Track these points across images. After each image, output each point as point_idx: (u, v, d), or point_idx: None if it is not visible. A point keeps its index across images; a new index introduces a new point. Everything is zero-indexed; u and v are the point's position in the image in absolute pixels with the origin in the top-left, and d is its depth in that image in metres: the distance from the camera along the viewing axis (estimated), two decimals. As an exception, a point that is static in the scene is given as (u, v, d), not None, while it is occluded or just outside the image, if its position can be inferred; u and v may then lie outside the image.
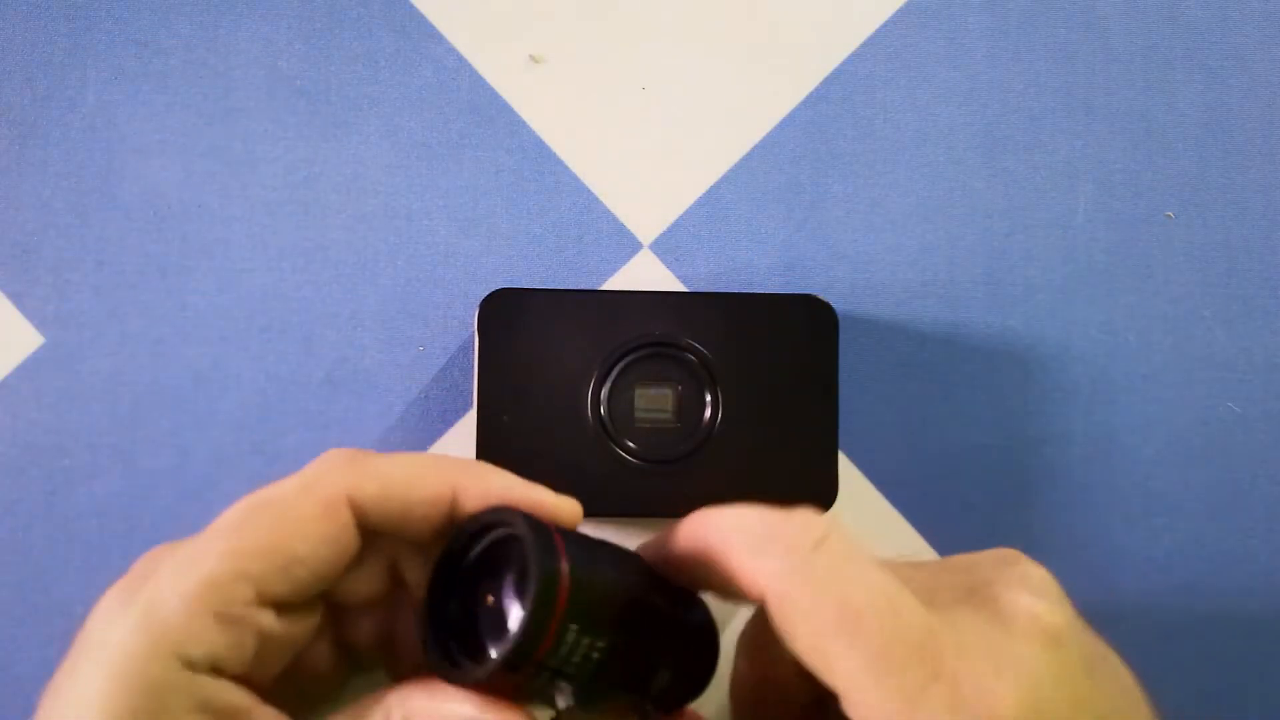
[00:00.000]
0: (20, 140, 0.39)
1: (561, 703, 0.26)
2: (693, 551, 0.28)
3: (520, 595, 0.25)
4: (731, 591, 0.27)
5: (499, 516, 0.27)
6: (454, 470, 0.27)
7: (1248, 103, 0.39)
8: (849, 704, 0.25)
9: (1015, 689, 0.24)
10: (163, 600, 0.25)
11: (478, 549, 0.27)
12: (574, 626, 0.25)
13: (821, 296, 0.35)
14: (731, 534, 0.27)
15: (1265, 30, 0.40)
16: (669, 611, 0.28)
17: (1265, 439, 0.38)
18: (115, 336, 0.38)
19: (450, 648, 0.26)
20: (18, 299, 0.38)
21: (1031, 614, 0.25)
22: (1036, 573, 0.27)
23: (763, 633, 0.30)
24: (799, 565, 0.26)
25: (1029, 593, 0.26)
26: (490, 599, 0.27)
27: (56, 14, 0.39)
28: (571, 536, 0.27)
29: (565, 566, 0.25)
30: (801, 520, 0.26)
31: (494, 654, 0.25)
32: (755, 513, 0.27)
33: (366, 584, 0.29)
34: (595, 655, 0.26)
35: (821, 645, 0.25)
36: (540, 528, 0.26)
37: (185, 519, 0.37)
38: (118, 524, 0.37)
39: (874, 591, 0.25)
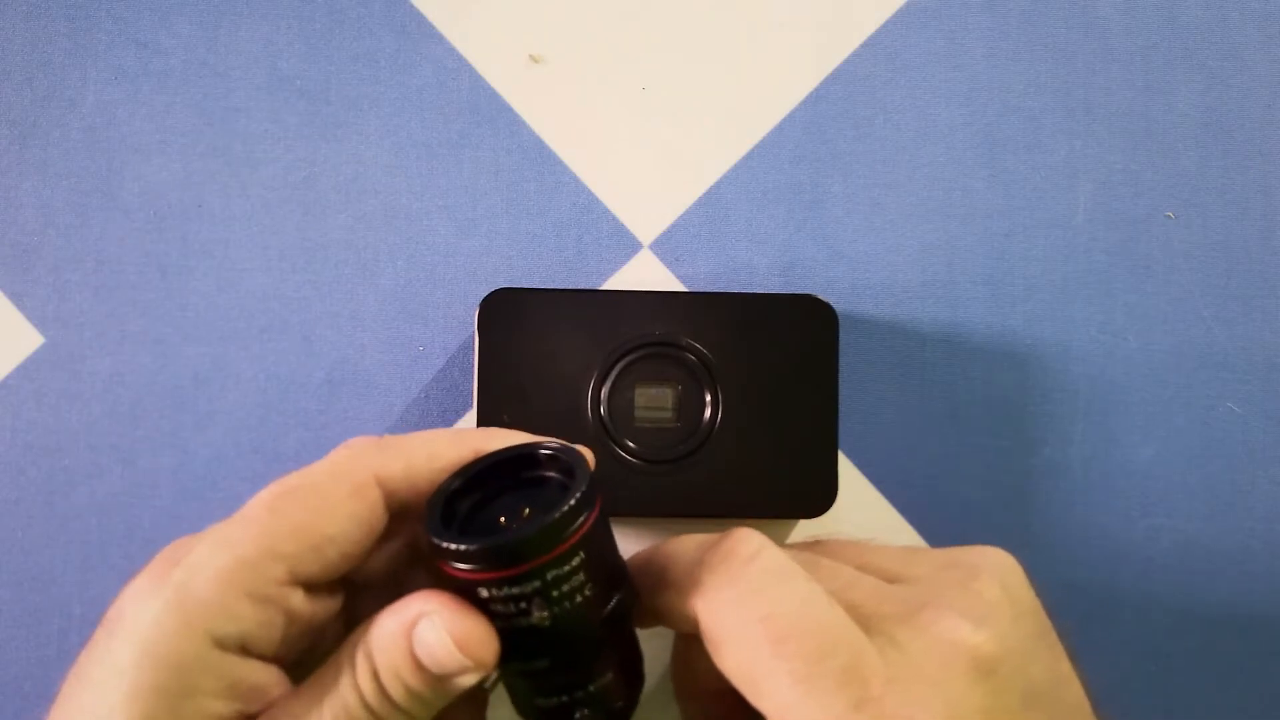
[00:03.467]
0: (20, 140, 0.39)
1: (535, 618, 0.25)
2: (644, 584, 0.28)
3: (547, 512, 0.26)
4: (676, 621, 0.27)
5: (558, 451, 0.27)
6: (473, 438, 0.28)
7: (1248, 103, 0.39)
8: None
9: None
10: (196, 579, 0.25)
11: (508, 480, 0.28)
12: (581, 554, 0.25)
13: (821, 296, 0.35)
14: (668, 560, 0.27)
15: (1265, 30, 0.40)
16: (629, 618, 0.29)
17: (1265, 439, 0.38)
18: (115, 336, 0.38)
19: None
20: (18, 299, 0.38)
21: (967, 645, 0.25)
22: (989, 593, 0.26)
23: (685, 662, 0.30)
24: (727, 583, 0.26)
25: (970, 620, 0.25)
26: (503, 519, 0.27)
27: (56, 14, 0.39)
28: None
29: (600, 502, 0.26)
30: (731, 541, 0.27)
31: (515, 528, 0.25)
32: (691, 539, 0.28)
33: (387, 561, 0.29)
34: (579, 598, 0.26)
35: (748, 665, 0.25)
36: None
37: (185, 519, 0.37)
38: (118, 524, 0.37)
39: (803, 610, 0.25)
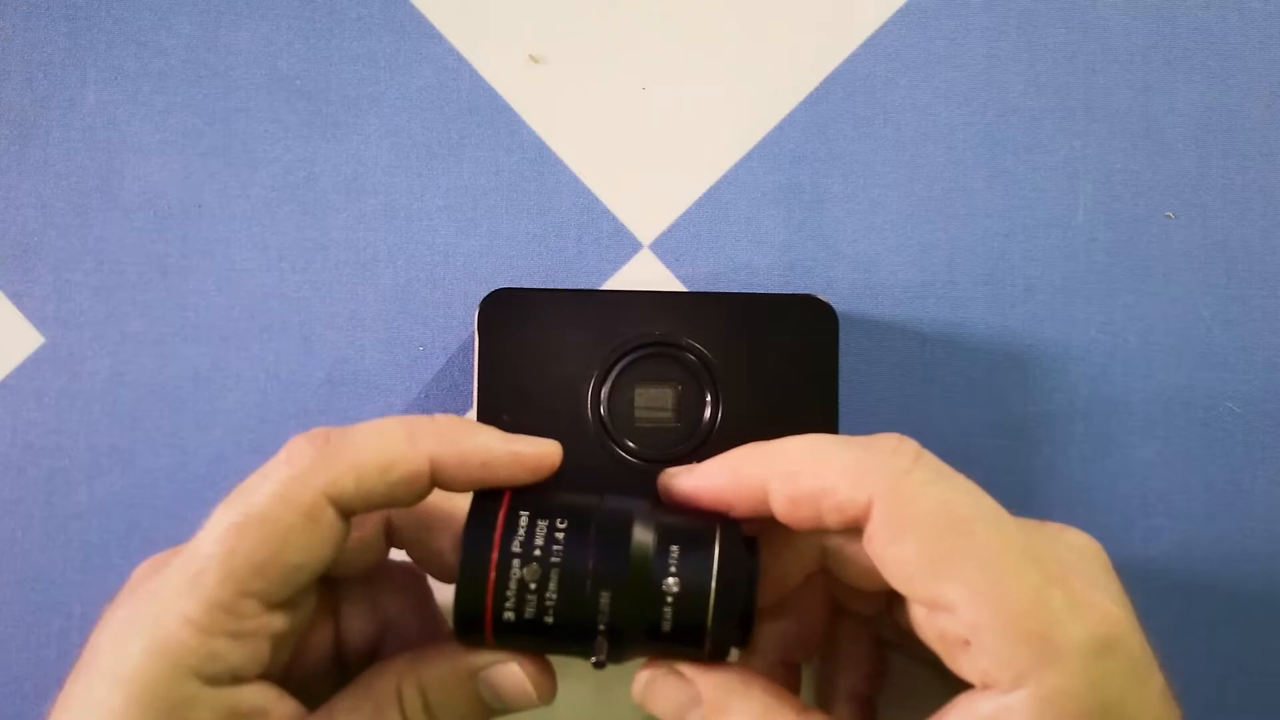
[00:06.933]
0: (20, 140, 0.39)
1: (530, 580, 0.26)
2: (753, 479, 0.28)
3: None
4: (804, 515, 0.27)
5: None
6: (429, 441, 0.27)
7: (1248, 103, 0.39)
8: (963, 614, 0.25)
9: (1117, 606, 0.25)
10: (174, 629, 0.25)
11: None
12: (524, 512, 0.27)
13: (821, 296, 0.35)
14: (819, 457, 0.27)
15: (1265, 30, 0.40)
16: (657, 511, 0.28)
17: (1265, 439, 0.38)
18: (115, 336, 0.38)
19: None
20: (18, 299, 0.38)
21: (1099, 549, 0.28)
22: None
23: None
24: (902, 479, 0.26)
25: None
26: None
27: (56, 14, 0.39)
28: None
29: (508, 497, 0.28)
30: (893, 439, 0.27)
31: None
32: (836, 437, 0.28)
33: (363, 555, 0.29)
34: (559, 534, 0.26)
35: (932, 547, 0.25)
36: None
37: (185, 519, 0.37)
38: (118, 524, 0.37)
39: (978, 503, 0.26)
